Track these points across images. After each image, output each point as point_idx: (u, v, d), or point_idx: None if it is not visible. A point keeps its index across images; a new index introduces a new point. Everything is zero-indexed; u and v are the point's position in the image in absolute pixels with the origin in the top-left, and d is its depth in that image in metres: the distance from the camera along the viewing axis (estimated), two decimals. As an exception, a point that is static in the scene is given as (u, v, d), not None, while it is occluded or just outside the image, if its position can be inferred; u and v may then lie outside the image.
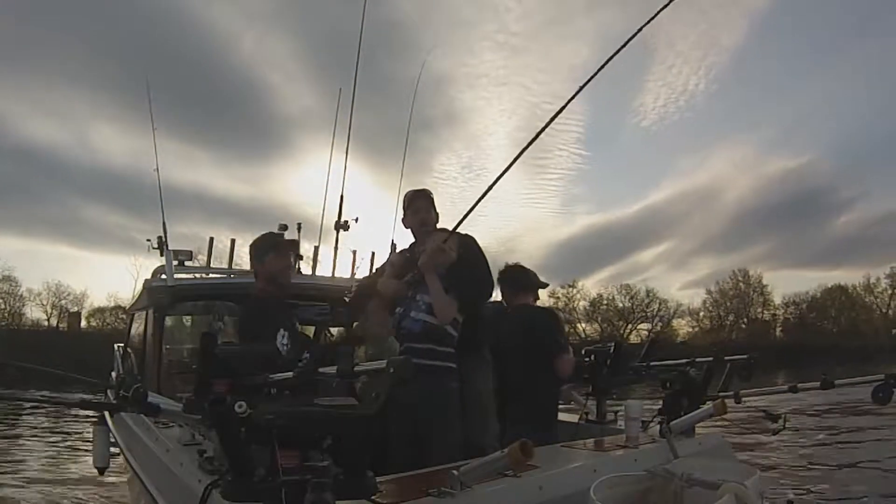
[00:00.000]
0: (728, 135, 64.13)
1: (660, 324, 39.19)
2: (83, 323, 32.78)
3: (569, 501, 1.82)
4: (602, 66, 2.29)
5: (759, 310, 42.89)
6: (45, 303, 32.28)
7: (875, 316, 43.59)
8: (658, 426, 2.50)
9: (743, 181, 60.37)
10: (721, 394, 2.81)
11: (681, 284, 62.16)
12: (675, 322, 41.02)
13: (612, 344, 3.27)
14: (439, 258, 2.41)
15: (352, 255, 4.39)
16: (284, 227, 3.84)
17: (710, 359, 3.00)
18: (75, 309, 32.72)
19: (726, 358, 3.05)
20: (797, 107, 55.90)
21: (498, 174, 2.33)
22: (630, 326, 39.33)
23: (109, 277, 54.39)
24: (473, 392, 2.62)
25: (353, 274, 4.39)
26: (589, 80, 2.30)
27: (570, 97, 2.31)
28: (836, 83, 54.65)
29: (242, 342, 2.54)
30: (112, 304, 32.77)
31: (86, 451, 7.98)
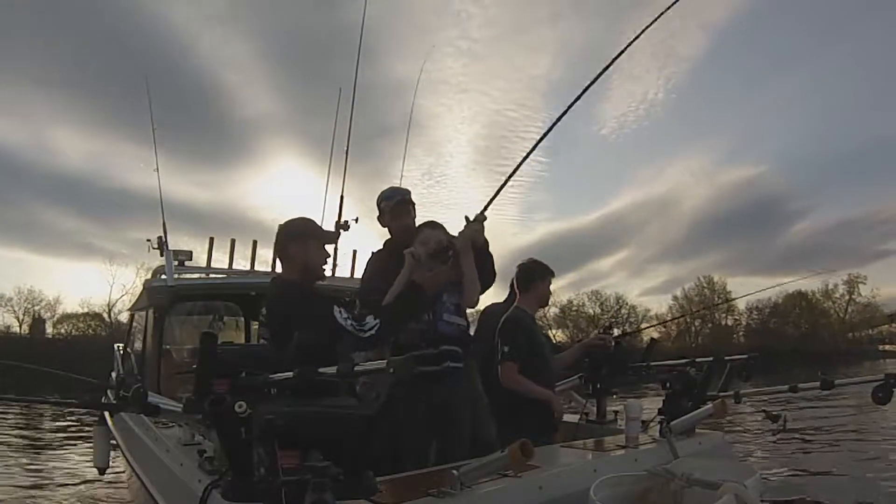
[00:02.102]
0: (686, 144, 65.57)
1: (629, 329, 39.68)
2: (51, 329, 32.57)
3: (569, 501, 1.82)
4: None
5: (724, 315, 44.31)
6: (16, 308, 31.85)
7: (833, 321, 45.52)
8: (658, 426, 2.51)
9: (700, 190, 61.67)
10: (721, 394, 2.81)
11: (640, 291, 63.15)
12: (642, 328, 41.74)
13: (613, 343, 3.27)
14: (477, 237, 2.39)
15: (352, 255, 4.40)
16: (284, 227, 3.82)
17: (710, 359, 3.01)
18: (49, 315, 32.54)
19: (726, 358, 3.05)
20: (753, 118, 57.76)
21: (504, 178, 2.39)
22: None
23: (67, 283, 53.74)
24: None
25: (352, 274, 4.39)
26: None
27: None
28: (791, 96, 56.62)
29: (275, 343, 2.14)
30: (82, 311, 32.63)
31: (64, 448, 8.00)
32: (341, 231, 4.13)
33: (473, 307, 2.45)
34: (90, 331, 31.64)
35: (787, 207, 57.30)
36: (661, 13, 2.45)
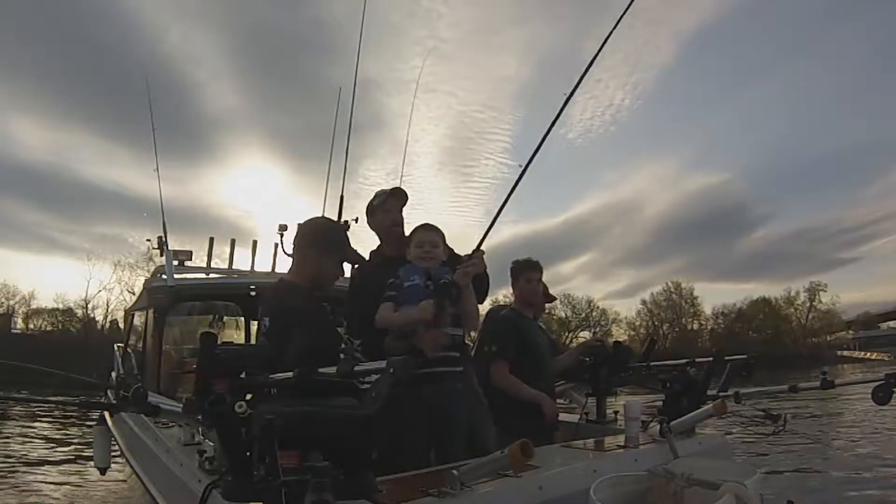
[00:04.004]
0: (651, 151, 67.72)
1: (599, 332, 40.55)
2: (22, 324, 32.78)
3: (569, 501, 1.82)
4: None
5: (691, 320, 46.78)
6: (-12, 303, 32.17)
7: (794, 326, 47.65)
8: (658, 426, 2.50)
9: (664, 196, 63.25)
10: (721, 394, 2.81)
11: (602, 294, 64.04)
12: (612, 330, 43.58)
13: (612, 343, 3.27)
14: (475, 272, 2.43)
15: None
16: (284, 228, 3.82)
17: (710, 359, 3.01)
18: (25, 310, 32.70)
19: (726, 358, 3.05)
20: (717, 127, 60.34)
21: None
22: (571, 335, 40.21)
23: (28, 276, 52.97)
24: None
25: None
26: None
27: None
28: (754, 107, 58.96)
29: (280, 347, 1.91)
30: (51, 307, 32.93)
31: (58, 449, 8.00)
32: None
33: (472, 331, 2.55)
34: (60, 326, 31.81)
35: (748, 214, 59.29)
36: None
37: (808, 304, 47.96)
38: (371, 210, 2.78)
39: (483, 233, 2.47)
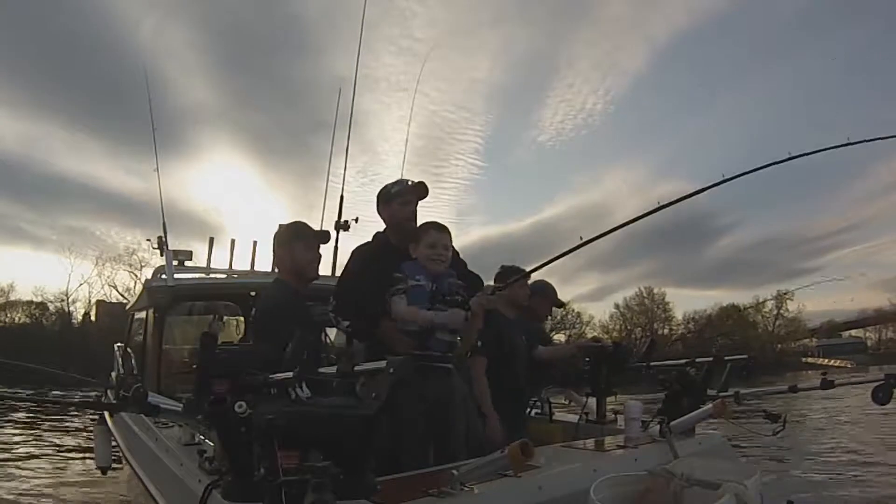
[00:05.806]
0: (621, 156, 68.59)
1: (574, 335, 40.86)
2: None
3: (569, 501, 1.82)
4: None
5: (662, 325, 47.24)
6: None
7: (761, 333, 48.23)
8: (658, 426, 2.50)
9: (632, 201, 63.58)
10: (721, 394, 2.81)
11: (569, 297, 63.83)
12: (586, 333, 43.57)
13: (612, 344, 3.27)
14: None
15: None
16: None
17: (710, 359, 3.01)
18: (2, 301, 32.42)
19: (726, 358, 3.05)
20: (687, 134, 61.30)
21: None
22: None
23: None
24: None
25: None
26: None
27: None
28: (723, 115, 59.78)
29: (259, 341, 2.32)
30: (28, 299, 32.55)
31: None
32: (340, 230, 4.13)
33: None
34: (40, 319, 31.68)
35: (714, 223, 59.26)
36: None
37: (775, 312, 48.98)
38: (387, 196, 2.64)
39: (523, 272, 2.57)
